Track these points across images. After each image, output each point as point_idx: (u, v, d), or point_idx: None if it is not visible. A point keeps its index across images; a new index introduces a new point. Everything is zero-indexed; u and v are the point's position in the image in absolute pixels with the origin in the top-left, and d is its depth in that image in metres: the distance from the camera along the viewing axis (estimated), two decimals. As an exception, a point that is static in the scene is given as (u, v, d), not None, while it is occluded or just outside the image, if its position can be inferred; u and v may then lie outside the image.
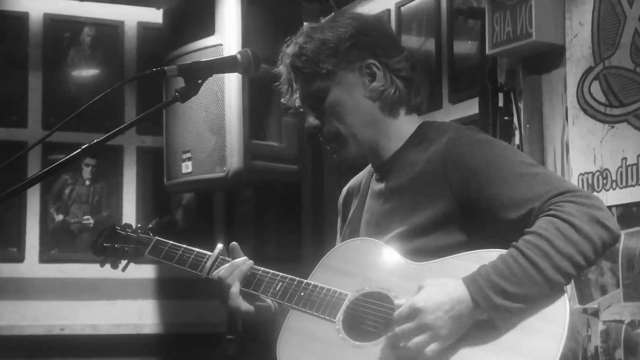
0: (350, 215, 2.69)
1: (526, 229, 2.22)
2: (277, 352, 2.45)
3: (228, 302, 2.60)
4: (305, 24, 2.65)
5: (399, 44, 2.58)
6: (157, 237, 2.85)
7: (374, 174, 2.62)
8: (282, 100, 2.63)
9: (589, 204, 2.21)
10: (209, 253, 2.70)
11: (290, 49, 2.55)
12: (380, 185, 2.56)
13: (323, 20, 2.58)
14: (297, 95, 2.56)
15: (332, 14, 2.62)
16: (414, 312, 2.19)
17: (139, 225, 2.94)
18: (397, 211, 2.46)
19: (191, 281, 5.30)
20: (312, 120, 2.54)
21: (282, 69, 2.59)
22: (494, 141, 2.48)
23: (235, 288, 2.58)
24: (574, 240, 2.16)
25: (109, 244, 2.91)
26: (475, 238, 2.35)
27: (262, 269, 2.60)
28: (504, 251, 2.23)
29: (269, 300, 2.64)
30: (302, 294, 2.48)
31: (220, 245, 2.70)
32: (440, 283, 2.22)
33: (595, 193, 3.85)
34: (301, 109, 2.58)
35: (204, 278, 2.67)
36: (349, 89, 2.50)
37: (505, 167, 2.32)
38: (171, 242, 2.81)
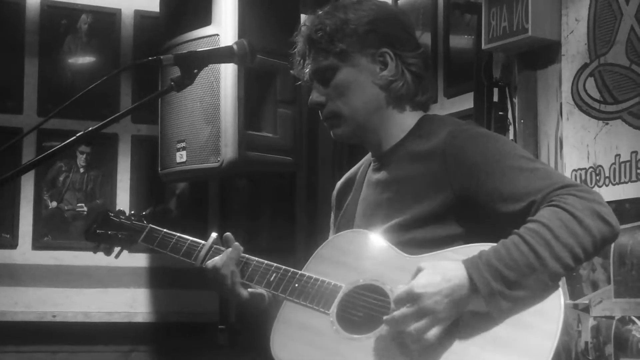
0: (345, 206, 2.70)
1: (529, 218, 2.23)
2: (270, 342, 2.46)
3: (224, 290, 2.61)
4: (302, 15, 2.67)
5: (416, 40, 2.60)
6: (150, 225, 2.85)
7: (372, 163, 2.62)
8: (292, 71, 2.63)
9: (591, 199, 2.23)
10: (202, 242, 2.70)
11: (310, 21, 2.56)
12: (379, 175, 2.57)
13: (348, 1, 2.60)
14: (308, 68, 2.56)
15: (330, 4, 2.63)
16: (412, 297, 2.19)
17: (132, 212, 2.94)
18: (395, 201, 2.47)
19: (184, 270, 5.30)
20: (316, 96, 2.56)
21: (298, 39, 2.59)
22: (493, 135, 2.50)
23: (235, 277, 2.59)
24: (575, 232, 2.18)
25: (102, 230, 2.90)
26: (471, 231, 2.36)
27: (257, 259, 2.61)
28: None
29: (262, 291, 2.65)
30: (297, 285, 2.50)
31: (214, 234, 2.70)
32: (440, 265, 2.23)
33: (586, 185, 3.85)
34: (308, 83, 2.58)
35: (197, 267, 2.67)
36: (359, 72, 2.51)
37: (505, 161, 2.34)
38: (165, 230, 2.81)
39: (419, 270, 2.23)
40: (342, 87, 2.51)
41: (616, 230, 2.24)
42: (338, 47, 2.49)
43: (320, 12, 2.57)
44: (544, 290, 2.19)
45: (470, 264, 2.20)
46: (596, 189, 3.84)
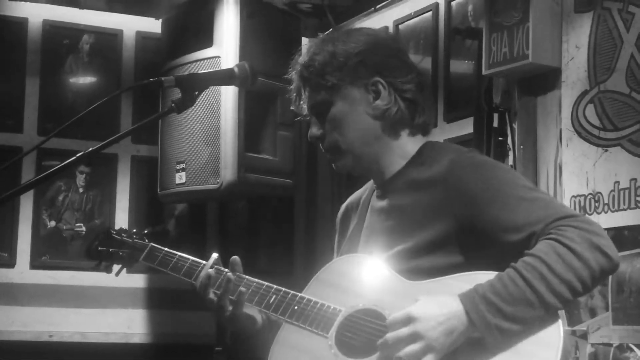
0: (349, 232, 2.70)
1: (526, 251, 2.23)
2: (268, 364, 2.46)
3: (219, 316, 2.61)
4: (304, 39, 2.67)
5: (409, 64, 2.58)
6: (152, 244, 2.86)
7: (376, 191, 2.62)
8: (292, 107, 2.63)
9: (590, 230, 2.22)
10: (203, 262, 2.70)
11: (301, 58, 2.56)
12: (382, 203, 2.56)
13: (338, 32, 2.60)
14: (305, 104, 2.57)
15: (332, 28, 2.63)
16: (408, 319, 2.19)
17: (134, 230, 2.94)
18: (398, 229, 2.46)
19: (181, 291, 5.29)
20: (314, 130, 2.55)
21: (293, 76, 2.59)
22: (495, 164, 2.49)
23: (230, 305, 2.59)
24: (573, 265, 2.17)
25: (103, 247, 2.90)
26: (473, 260, 2.35)
27: (257, 280, 2.61)
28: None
29: (255, 314, 2.65)
30: (296, 307, 2.49)
31: (215, 255, 2.70)
32: (437, 297, 2.23)
33: (586, 216, 3.86)
34: (307, 117, 2.59)
35: (197, 287, 2.67)
36: (351, 104, 2.50)
37: (506, 190, 2.33)
38: (166, 249, 2.81)
39: (416, 300, 2.23)
40: (337, 120, 2.51)
41: (615, 262, 2.22)
42: (329, 82, 2.49)
43: (311, 46, 2.56)
44: (542, 321, 2.19)
45: (466, 298, 2.20)
46: (595, 215, 3.84)
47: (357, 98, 2.51)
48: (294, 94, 2.59)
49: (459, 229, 2.36)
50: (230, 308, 2.59)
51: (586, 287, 2.19)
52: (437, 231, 2.37)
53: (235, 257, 2.65)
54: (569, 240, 2.19)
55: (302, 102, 2.57)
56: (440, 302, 2.21)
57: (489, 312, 2.16)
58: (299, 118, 2.65)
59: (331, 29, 2.63)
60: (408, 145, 2.55)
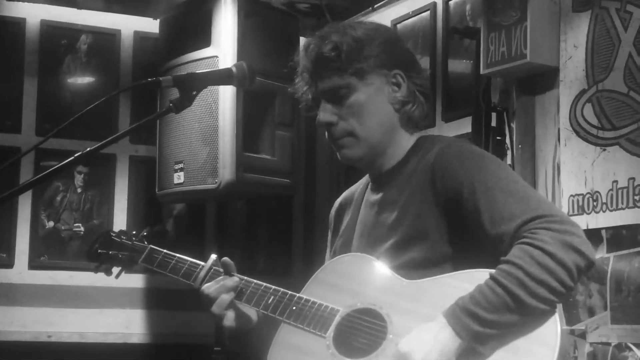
0: (343, 227, 2.69)
1: (501, 258, 2.23)
2: (266, 365, 2.46)
3: (214, 318, 2.60)
4: (302, 38, 2.65)
5: (420, 64, 2.60)
6: (151, 246, 2.85)
7: (370, 184, 2.62)
8: (290, 89, 2.58)
9: (563, 230, 2.21)
10: (202, 263, 2.70)
11: (318, 39, 2.50)
12: (376, 196, 2.56)
13: (352, 22, 2.57)
14: (315, 88, 2.50)
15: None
16: (401, 358, 2.20)
17: (134, 232, 2.94)
18: (389, 222, 2.46)
19: (180, 292, 5.28)
20: (327, 115, 2.49)
21: (302, 59, 2.53)
22: (481, 154, 2.46)
23: (225, 309, 2.59)
24: (548, 266, 2.17)
25: (103, 250, 2.91)
26: (461, 251, 2.35)
27: (255, 281, 2.60)
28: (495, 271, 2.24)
29: (250, 312, 2.64)
30: (294, 308, 2.49)
31: (214, 256, 2.70)
32: (420, 327, 2.22)
33: (585, 215, 3.86)
34: (312, 103, 2.53)
35: (196, 288, 2.66)
36: (375, 92, 2.49)
37: (487, 181, 2.32)
38: (165, 250, 2.81)
39: (397, 343, 2.23)
40: (358, 106, 2.48)
41: (590, 259, 2.22)
42: (355, 66, 2.46)
43: (326, 31, 2.51)
44: (529, 323, 2.19)
45: (449, 314, 2.20)
46: (593, 214, 3.84)
47: (379, 87, 2.49)
48: (304, 76, 2.52)
49: (446, 218, 2.36)
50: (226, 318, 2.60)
51: (565, 286, 2.18)
52: (425, 220, 2.37)
53: (226, 259, 2.65)
54: (541, 243, 2.18)
55: (311, 87, 2.51)
56: (426, 327, 2.21)
57: (473, 321, 2.17)
58: (302, 104, 2.58)
59: (335, 24, 2.58)
60: (410, 140, 2.55)
